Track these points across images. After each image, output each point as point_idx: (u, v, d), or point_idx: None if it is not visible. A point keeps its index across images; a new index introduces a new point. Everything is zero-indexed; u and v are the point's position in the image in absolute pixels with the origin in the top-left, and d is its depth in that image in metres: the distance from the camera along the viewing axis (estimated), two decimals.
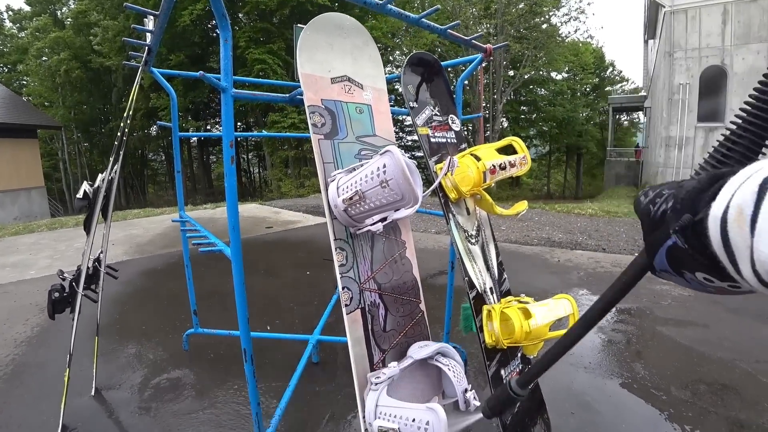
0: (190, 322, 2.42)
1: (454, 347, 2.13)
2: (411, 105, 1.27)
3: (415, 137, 1.25)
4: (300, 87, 1.01)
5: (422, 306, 1.10)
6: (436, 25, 1.38)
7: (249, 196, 20.76)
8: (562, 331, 1.15)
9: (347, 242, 0.94)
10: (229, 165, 0.97)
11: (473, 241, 1.23)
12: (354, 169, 0.88)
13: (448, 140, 1.34)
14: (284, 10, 15.35)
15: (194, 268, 2.37)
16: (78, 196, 1.67)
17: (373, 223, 0.86)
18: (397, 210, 0.78)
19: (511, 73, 17.36)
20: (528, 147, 1.12)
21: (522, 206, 1.12)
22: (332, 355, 2.35)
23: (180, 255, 4.18)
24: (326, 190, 0.89)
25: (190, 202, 14.53)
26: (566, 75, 21.46)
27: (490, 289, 1.21)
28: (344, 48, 1.09)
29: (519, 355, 1.36)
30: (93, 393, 2.03)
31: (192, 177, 24.29)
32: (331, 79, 1.04)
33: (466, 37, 1.56)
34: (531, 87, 20.65)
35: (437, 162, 1.23)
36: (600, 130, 24.52)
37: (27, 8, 22.88)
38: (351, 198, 0.79)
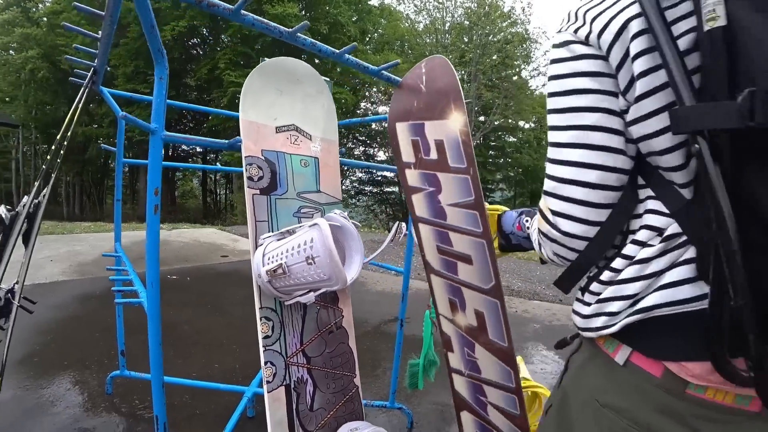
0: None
1: (399, 408, 2.03)
2: None
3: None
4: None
5: (357, 380, 1.00)
6: (397, 78, 1.35)
7: (212, 218, 20.09)
8: None
9: (275, 311, 0.84)
10: (152, 215, 0.87)
11: None
12: (289, 233, 0.80)
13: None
14: (267, 37, 15.49)
15: None
16: None
17: (303, 294, 0.77)
18: (325, 288, 0.70)
19: (482, 119, 18.03)
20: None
21: None
22: None
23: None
24: (254, 253, 0.80)
25: None
26: (533, 125, 22.49)
27: None
28: (294, 95, 1.03)
29: None
30: None
31: None
32: (276, 127, 0.97)
33: None
34: (500, 133, 21.46)
35: None
36: None
37: None
38: (275, 270, 0.70)
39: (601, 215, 0.55)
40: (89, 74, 1.57)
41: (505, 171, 23.30)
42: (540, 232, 0.62)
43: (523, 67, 17.25)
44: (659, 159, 0.51)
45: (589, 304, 0.59)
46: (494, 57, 16.08)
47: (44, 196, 1.63)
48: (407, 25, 19.31)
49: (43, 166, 1.56)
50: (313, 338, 0.91)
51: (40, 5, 20.91)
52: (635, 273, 0.53)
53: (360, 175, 20.88)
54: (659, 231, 0.52)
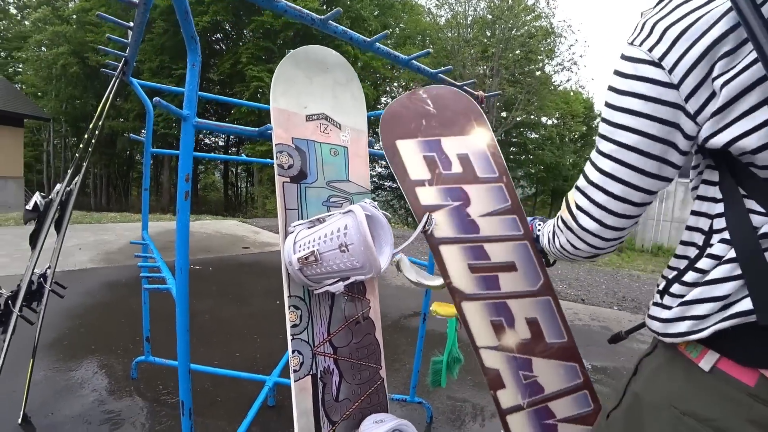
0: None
1: (419, 402, 2.02)
2: None
3: None
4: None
5: (383, 372, 0.99)
6: (427, 68, 1.33)
7: (233, 210, 20.43)
8: None
9: (303, 300, 0.84)
10: (182, 201, 0.87)
11: None
12: (319, 221, 0.79)
13: None
14: (289, 32, 15.58)
15: None
16: (27, 207, 1.55)
17: (333, 283, 0.77)
18: (356, 277, 0.69)
19: (504, 114, 17.76)
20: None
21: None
22: (290, 397, 2.19)
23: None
24: (284, 241, 0.79)
25: (171, 210, 14.21)
26: (556, 121, 22.07)
27: None
28: (325, 84, 1.02)
29: None
30: (20, 420, 1.84)
31: (176, 183, 23.90)
32: (307, 116, 0.96)
33: (458, 83, 1.51)
34: (522, 129, 21.16)
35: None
36: None
37: None
38: (306, 258, 0.69)
39: (618, 222, 0.60)
40: (120, 64, 1.60)
41: (527, 167, 22.99)
42: (561, 219, 0.69)
43: (546, 61, 16.92)
44: (754, 157, 0.49)
45: (669, 308, 0.56)
46: (517, 51, 15.80)
47: (76, 184, 1.67)
48: (429, 19, 19.13)
49: (76, 155, 1.60)
50: (340, 328, 0.90)
51: (70, 3, 21.50)
52: (726, 273, 0.50)
53: (379, 170, 20.87)
54: (753, 229, 0.50)
